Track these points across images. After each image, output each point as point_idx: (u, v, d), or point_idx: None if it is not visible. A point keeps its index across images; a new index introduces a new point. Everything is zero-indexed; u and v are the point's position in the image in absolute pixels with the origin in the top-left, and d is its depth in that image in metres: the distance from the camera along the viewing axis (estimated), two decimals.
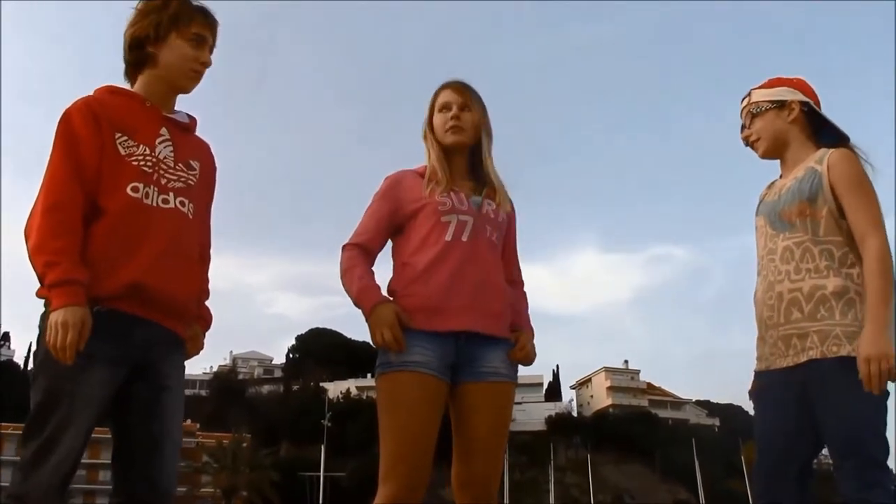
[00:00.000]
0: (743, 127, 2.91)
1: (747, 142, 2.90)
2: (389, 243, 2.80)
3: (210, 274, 2.67)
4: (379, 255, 2.77)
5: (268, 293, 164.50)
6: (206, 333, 2.65)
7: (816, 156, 2.73)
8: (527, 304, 2.88)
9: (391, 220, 2.73)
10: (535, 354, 2.72)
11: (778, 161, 2.89)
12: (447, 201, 2.67)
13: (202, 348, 2.61)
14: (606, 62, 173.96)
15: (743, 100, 2.92)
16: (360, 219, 2.78)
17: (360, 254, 2.69)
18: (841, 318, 2.52)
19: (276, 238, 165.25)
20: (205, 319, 2.62)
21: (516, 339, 2.70)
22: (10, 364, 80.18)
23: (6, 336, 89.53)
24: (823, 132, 2.80)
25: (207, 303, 2.66)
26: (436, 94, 2.84)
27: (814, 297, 2.57)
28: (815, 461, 2.67)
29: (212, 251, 2.67)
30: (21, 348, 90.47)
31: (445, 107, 2.79)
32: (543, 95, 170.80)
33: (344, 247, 2.72)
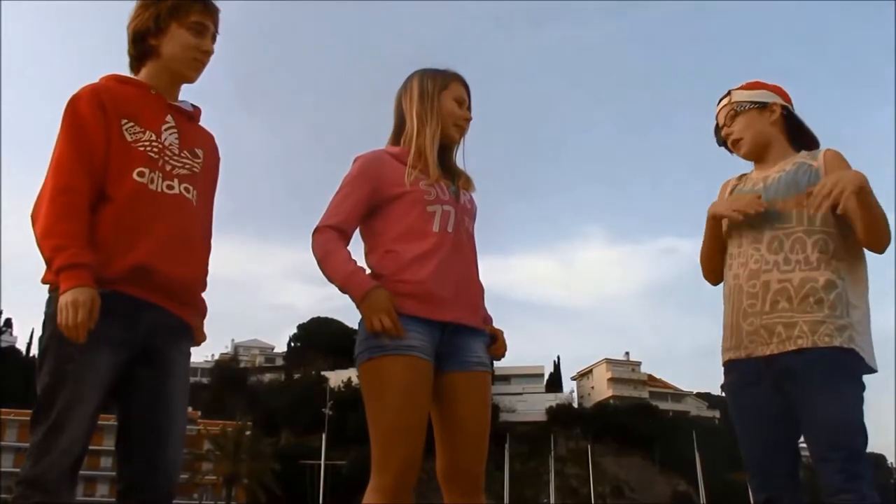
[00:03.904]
0: (721, 126, 2.93)
1: (725, 140, 2.92)
2: None
3: (211, 261, 2.64)
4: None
5: (269, 281, 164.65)
6: (204, 322, 2.63)
7: (803, 154, 2.79)
8: None
9: (369, 202, 2.62)
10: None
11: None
12: (432, 191, 2.62)
13: (205, 339, 2.61)
14: (617, 56, 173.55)
15: (721, 99, 2.94)
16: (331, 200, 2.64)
17: (337, 237, 2.57)
18: (830, 311, 2.53)
19: (278, 226, 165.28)
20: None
21: (493, 334, 2.72)
22: (13, 350, 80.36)
23: (8, 322, 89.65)
24: (797, 137, 2.86)
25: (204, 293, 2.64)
26: (446, 79, 2.75)
27: (804, 288, 2.57)
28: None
29: (214, 238, 2.65)
30: (23, 335, 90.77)
31: (461, 101, 2.75)
32: (552, 89, 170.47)
33: (318, 229, 2.58)
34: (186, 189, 2.44)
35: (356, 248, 2.65)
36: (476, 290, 2.69)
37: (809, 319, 2.54)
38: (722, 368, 2.78)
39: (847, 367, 2.50)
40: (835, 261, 2.60)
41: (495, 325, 2.79)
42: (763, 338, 2.61)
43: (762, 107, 2.85)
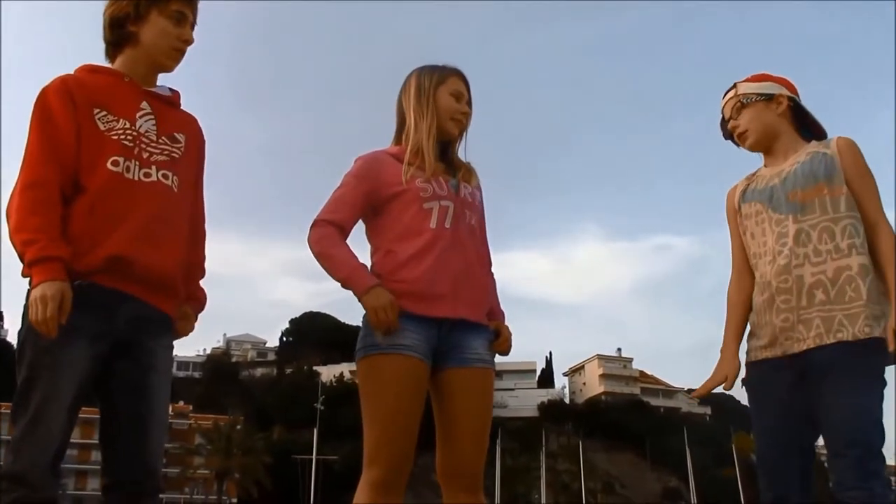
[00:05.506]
0: (726, 119, 2.90)
1: (732, 133, 2.88)
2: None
3: (207, 256, 2.62)
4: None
5: (262, 276, 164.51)
6: (199, 315, 2.59)
7: (814, 143, 2.77)
8: (496, 288, 2.84)
9: (366, 201, 2.64)
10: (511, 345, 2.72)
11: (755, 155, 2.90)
12: (428, 187, 2.62)
13: (192, 329, 2.57)
14: (612, 56, 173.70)
15: (727, 92, 2.91)
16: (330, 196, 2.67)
17: (336, 232, 2.59)
18: (867, 299, 2.51)
19: (271, 221, 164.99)
20: (198, 300, 2.58)
21: (497, 329, 2.70)
22: (4, 344, 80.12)
23: (0, 316, 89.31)
24: (805, 128, 2.83)
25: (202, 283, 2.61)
26: (443, 74, 2.75)
27: (839, 279, 2.55)
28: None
29: (208, 232, 2.62)
30: (15, 328, 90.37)
31: (458, 95, 2.74)
32: (549, 87, 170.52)
33: (316, 222, 2.61)
34: (165, 176, 2.40)
35: (364, 249, 2.68)
36: (478, 285, 2.66)
37: (848, 312, 2.52)
38: (745, 365, 2.74)
39: (878, 360, 2.48)
40: (864, 245, 2.58)
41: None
42: (801, 333, 2.57)
43: (768, 98, 2.82)
